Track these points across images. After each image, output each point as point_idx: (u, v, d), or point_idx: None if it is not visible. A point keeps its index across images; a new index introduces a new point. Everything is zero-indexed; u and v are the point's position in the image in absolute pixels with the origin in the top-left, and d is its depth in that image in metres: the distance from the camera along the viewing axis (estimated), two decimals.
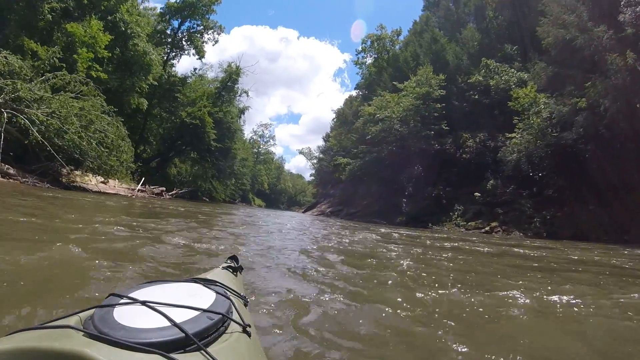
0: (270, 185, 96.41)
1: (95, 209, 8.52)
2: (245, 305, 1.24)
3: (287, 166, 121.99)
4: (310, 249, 5.72)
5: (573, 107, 20.55)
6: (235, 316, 0.95)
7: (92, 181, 17.66)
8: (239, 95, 41.46)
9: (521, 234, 20.90)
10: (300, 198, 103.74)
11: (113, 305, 0.84)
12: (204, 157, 35.31)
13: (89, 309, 0.84)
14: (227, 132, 35.97)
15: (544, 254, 8.35)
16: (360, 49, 46.84)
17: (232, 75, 37.86)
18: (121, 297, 0.89)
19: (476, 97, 28.71)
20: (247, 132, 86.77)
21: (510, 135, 23.86)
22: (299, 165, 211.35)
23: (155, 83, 29.20)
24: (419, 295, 2.96)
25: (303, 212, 48.38)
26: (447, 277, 4.14)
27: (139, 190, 22.15)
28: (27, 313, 1.80)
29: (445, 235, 14.76)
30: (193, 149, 35.46)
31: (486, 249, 8.54)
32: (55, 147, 13.96)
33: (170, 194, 38.60)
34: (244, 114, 41.70)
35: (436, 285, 3.57)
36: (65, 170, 15.56)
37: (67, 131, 13.99)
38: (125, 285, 2.30)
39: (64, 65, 19.18)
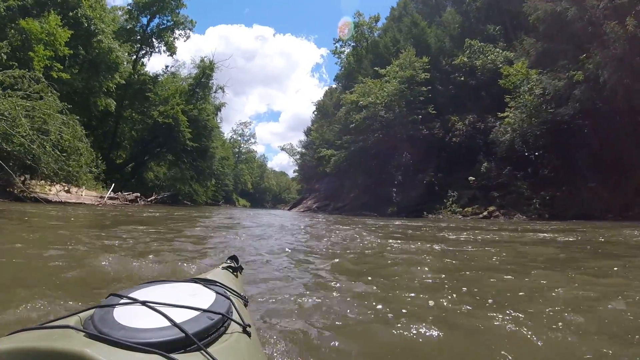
0: (254, 185, 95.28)
1: (32, 224, 6.95)
2: (245, 305, 1.23)
3: (269, 164, 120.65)
4: (300, 260, 4.34)
5: (569, 80, 19.80)
6: (235, 316, 0.94)
7: (53, 190, 15.87)
8: (215, 92, 39.67)
9: (524, 217, 19.92)
10: (285, 195, 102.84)
11: (113, 305, 0.83)
12: (180, 158, 33.25)
13: (89, 309, 0.83)
14: (204, 131, 34.00)
15: (579, 237, 7.13)
16: (337, 37, 45.32)
17: (205, 70, 35.94)
18: (121, 297, 0.88)
19: (462, 78, 27.74)
20: (227, 132, 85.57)
21: (502, 114, 22.86)
22: (282, 163, 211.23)
23: (124, 82, 27.25)
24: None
25: (288, 210, 46.82)
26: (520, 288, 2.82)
27: (108, 197, 20.26)
28: None
29: (448, 224, 13.50)
30: (168, 151, 33.42)
31: (510, 236, 7.28)
32: (3, 153, 12.23)
33: (148, 199, 36.87)
34: (220, 111, 39.90)
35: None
36: (18, 180, 13.73)
37: (16, 134, 12.23)
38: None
39: (16, 64, 17.26)
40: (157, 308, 0.82)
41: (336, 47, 45.91)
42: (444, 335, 1.85)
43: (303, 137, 63.84)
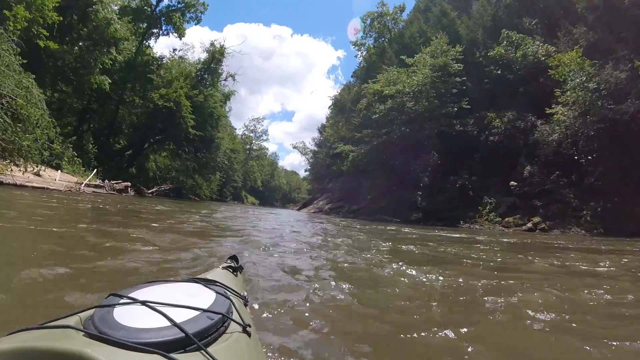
0: (264, 182, 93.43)
1: None
2: (245, 305, 1.24)
3: (281, 163, 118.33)
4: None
5: (632, 73, 16.70)
6: (235, 316, 0.94)
7: (15, 171, 13.03)
8: (225, 80, 36.74)
9: (582, 231, 16.71)
10: (295, 195, 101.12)
11: (113, 305, 0.83)
12: (181, 147, 30.21)
13: (89, 309, 0.83)
14: (210, 119, 30.99)
15: None
16: (359, 28, 42.17)
17: (215, 55, 33.05)
18: (121, 297, 0.87)
19: (498, 72, 24.41)
20: (239, 128, 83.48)
21: (550, 110, 19.63)
22: (293, 163, 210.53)
23: (122, 60, 24.51)
24: None
25: (298, 210, 43.69)
26: None
27: (93, 185, 17.46)
28: None
29: (502, 238, 10.41)
30: (167, 138, 30.46)
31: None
32: None
33: (148, 191, 34.29)
34: (229, 99, 36.80)
35: None
36: None
37: None
38: None
39: None
40: (157, 308, 0.81)
41: (357, 38, 42.76)
42: None
43: (316, 135, 60.87)
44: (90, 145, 24.59)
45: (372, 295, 2.62)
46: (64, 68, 22.58)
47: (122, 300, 0.85)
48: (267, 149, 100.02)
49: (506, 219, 19.61)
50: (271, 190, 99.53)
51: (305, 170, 72.38)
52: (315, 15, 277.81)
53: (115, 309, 0.81)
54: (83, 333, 0.71)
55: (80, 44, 23.37)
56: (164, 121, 27.09)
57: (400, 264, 4.16)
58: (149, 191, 34.09)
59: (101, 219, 6.85)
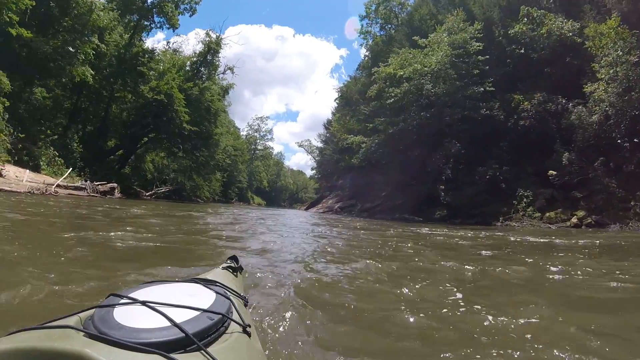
0: (270, 183, 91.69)
1: None
2: (245, 305, 1.23)
3: (287, 164, 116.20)
4: None
5: None
6: (235, 316, 0.94)
7: None
8: (223, 73, 34.24)
9: None
10: (302, 195, 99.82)
11: (113, 306, 0.82)
12: (176, 145, 27.71)
13: (89, 309, 0.83)
14: (207, 114, 28.45)
15: None
16: (364, 14, 39.46)
17: (211, 46, 30.56)
18: (121, 297, 0.87)
19: (521, 51, 21.68)
20: (243, 127, 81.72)
21: (588, 88, 17.16)
22: (300, 163, 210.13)
23: (104, 48, 22.18)
24: None
25: (305, 210, 41.14)
26: None
27: (57, 186, 15.12)
28: None
29: (570, 240, 7.93)
30: (159, 135, 27.92)
31: None
32: None
33: (147, 194, 32.06)
34: (228, 93, 34.20)
35: None
36: None
37: None
38: None
39: None
40: (157, 308, 0.81)
41: (362, 25, 40.12)
42: None
43: (322, 131, 58.36)
44: (75, 145, 22.30)
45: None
46: (43, 60, 20.32)
47: (122, 301, 0.84)
48: (272, 148, 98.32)
49: (547, 214, 16.98)
50: (278, 191, 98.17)
51: (312, 169, 70.24)
52: (317, 15, 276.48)
53: (115, 309, 0.80)
54: (83, 333, 0.70)
55: (61, 33, 21.05)
56: (155, 116, 24.51)
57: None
58: (147, 194, 31.88)
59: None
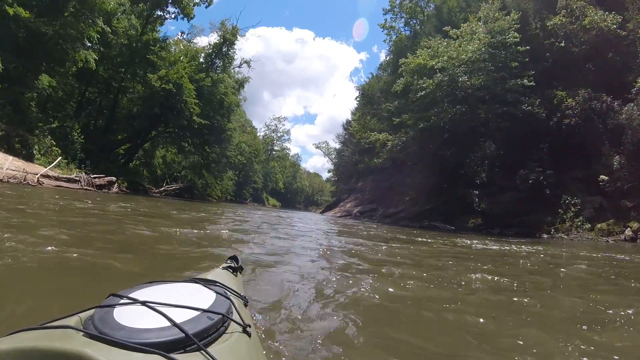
0: (286, 184, 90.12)
1: None
2: (245, 305, 1.21)
3: (303, 166, 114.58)
4: None
5: None
6: (235, 316, 0.93)
7: None
8: (239, 67, 32.46)
9: None
10: (318, 198, 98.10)
11: (113, 306, 0.81)
12: (184, 139, 25.93)
13: (89, 309, 0.82)
14: (219, 108, 26.60)
15: None
16: (388, 7, 37.23)
17: (226, 37, 28.83)
18: (121, 297, 0.86)
19: (561, 44, 19.29)
20: (260, 127, 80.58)
21: None
22: (316, 165, 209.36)
23: (108, 31, 20.64)
24: None
25: (321, 213, 39.06)
26: None
27: (42, 175, 13.51)
28: None
29: None
30: (167, 128, 26.25)
31: None
32: None
33: (155, 191, 30.59)
34: (243, 87, 32.33)
35: None
36: None
37: None
38: None
39: None
40: (157, 308, 0.80)
41: (385, 20, 37.96)
42: None
43: (341, 132, 56.47)
44: (76, 135, 20.80)
45: None
46: (43, 43, 18.89)
47: (122, 301, 0.83)
48: (289, 149, 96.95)
49: (598, 226, 14.63)
50: (293, 193, 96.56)
51: (329, 171, 68.36)
52: (337, 18, 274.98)
53: (115, 309, 0.79)
54: (83, 333, 0.69)
55: (65, 16, 19.62)
56: (162, 107, 22.69)
57: None
58: (156, 191, 30.37)
59: None
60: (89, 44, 20.37)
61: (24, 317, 1.73)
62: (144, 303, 0.82)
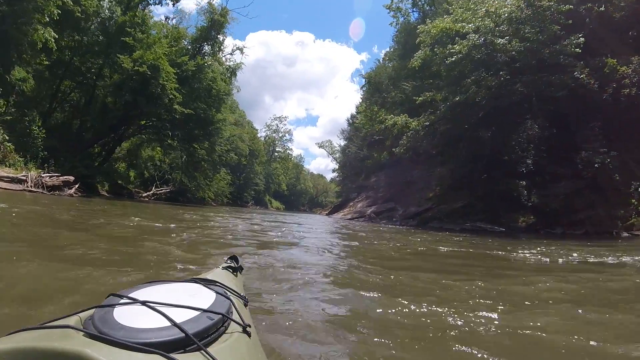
0: (289, 186, 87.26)
1: None
2: (245, 305, 1.20)
3: (306, 168, 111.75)
4: None
5: None
6: (235, 316, 0.92)
7: None
8: (231, 54, 29.09)
9: None
10: (323, 199, 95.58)
11: (113, 305, 0.81)
12: (164, 131, 22.38)
13: (89, 309, 0.81)
14: (207, 96, 23.07)
15: None
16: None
17: (214, 18, 25.47)
18: (121, 297, 0.86)
19: (601, 9, 15.82)
20: (261, 128, 77.71)
21: None
22: (319, 167, 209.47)
23: (70, 4, 17.35)
24: None
25: (328, 215, 35.53)
26: None
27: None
28: None
29: None
30: (144, 119, 22.72)
31: None
32: None
33: (143, 195, 27.33)
34: (235, 75, 28.80)
35: None
36: None
37: None
38: None
39: None
40: (157, 308, 0.80)
41: (392, 1, 34.44)
42: None
43: (345, 127, 53.20)
44: (36, 130, 17.57)
45: None
46: None
47: (122, 301, 0.83)
48: (292, 149, 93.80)
49: None
50: (297, 195, 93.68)
51: (334, 171, 65.05)
52: (336, 20, 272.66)
53: (115, 309, 0.79)
54: (83, 333, 0.69)
55: None
56: (134, 92, 18.85)
57: None
58: (144, 194, 27.08)
59: None
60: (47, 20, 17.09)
61: None
62: (144, 303, 0.81)
